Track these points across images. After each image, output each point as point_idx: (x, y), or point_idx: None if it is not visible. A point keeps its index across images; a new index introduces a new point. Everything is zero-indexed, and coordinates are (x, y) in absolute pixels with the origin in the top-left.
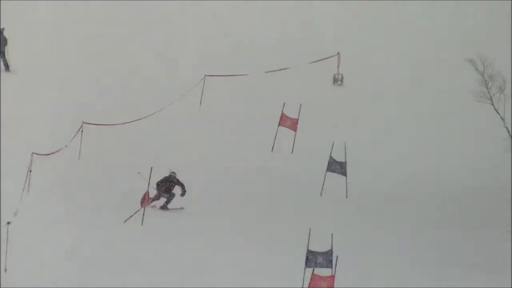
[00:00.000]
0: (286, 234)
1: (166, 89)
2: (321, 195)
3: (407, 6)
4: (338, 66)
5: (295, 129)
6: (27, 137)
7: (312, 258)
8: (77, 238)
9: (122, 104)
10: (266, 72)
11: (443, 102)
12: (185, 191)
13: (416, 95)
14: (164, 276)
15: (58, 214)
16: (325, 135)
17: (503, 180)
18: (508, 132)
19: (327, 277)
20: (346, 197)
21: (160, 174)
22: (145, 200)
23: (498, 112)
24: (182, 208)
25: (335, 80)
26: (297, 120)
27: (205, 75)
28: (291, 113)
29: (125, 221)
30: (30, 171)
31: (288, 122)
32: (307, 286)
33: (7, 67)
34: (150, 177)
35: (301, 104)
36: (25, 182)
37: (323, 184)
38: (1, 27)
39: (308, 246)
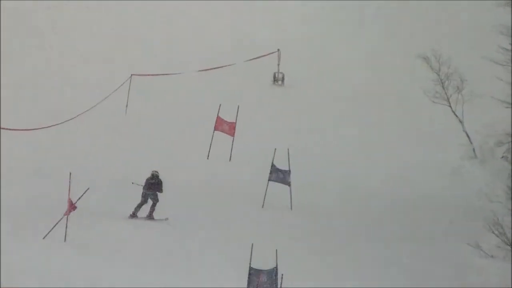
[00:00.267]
0: (226, 250)
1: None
2: (263, 207)
3: (358, 1)
4: (278, 64)
5: (232, 134)
6: None
7: (254, 276)
8: None
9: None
10: (199, 70)
11: (395, 103)
12: (161, 191)
13: (365, 95)
14: None
15: None
16: (266, 141)
17: (461, 189)
18: (468, 136)
19: None
20: (291, 208)
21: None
22: (70, 209)
23: (456, 114)
24: (167, 219)
25: (275, 80)
26: (234, 124)
27: (131, 75)
28: (228, 116)
29: (44, 237)
30: None
31: (224, 126)
32: None
33: None
34: (70, 184)
35: (238, 106)
36: None
37: (265, 195)
38: None
39: (250, 263)
